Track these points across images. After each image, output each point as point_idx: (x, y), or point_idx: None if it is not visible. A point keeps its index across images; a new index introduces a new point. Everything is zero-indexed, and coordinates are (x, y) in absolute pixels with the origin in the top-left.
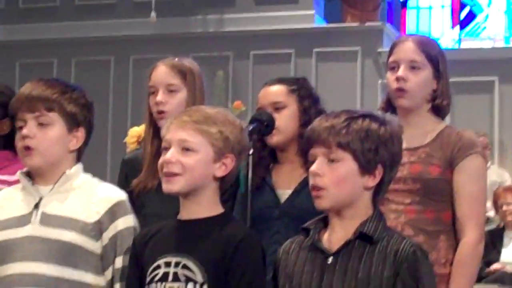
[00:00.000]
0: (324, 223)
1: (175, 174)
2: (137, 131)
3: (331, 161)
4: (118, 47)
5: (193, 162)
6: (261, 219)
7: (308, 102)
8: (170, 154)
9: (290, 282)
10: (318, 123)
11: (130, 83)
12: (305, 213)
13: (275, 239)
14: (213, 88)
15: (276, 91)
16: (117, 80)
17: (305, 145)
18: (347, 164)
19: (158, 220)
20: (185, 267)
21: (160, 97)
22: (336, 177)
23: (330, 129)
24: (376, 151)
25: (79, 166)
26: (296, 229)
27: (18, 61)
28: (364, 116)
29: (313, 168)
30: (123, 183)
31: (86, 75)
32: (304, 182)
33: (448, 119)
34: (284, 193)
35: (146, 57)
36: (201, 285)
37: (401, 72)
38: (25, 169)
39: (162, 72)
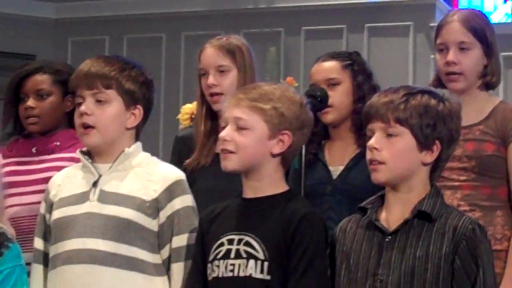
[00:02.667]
0: (381, 201)
1: (230, 152)
2: (190, 108)
3: (389, 135)
4: (170, 23)
5: (246, 140)
6: (314, 195)
7: (362, 77)
8: (225, 132)
9: (348, 260)
10: (377, 99)
11: (181, 59)
12: (358, 189)
13: (327, 215)
14: (266, 64)
15: (330, 67)
16: (168, 57)
17: (363, 120)
18: (405, 139)
19: (211, 195)
20: (247, 244)
21: (211, 79)
22: (394, 151)
23: (388, 104)
24: (434, 127)
25: (138, 144)
26: (348, 206)
27: (70, 38)
28: (423, 92)
29: (371, 142)
30: (176, 160)
31: (138, 52)
32: (357, 158)
33: (501, 93)
34: (337, 169)
35: (198, 34)
36: (262, 262)
37: (451, 56)
38: (84, 148)
39: (210, 54)
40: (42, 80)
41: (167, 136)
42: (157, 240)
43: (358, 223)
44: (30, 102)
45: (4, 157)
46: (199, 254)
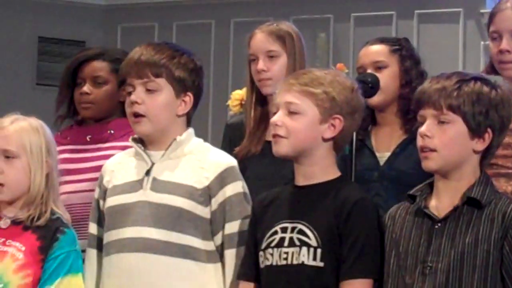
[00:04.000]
0: (430, 189)
1: (281, 137)
2: (240, 94)
3: (441, 123)
4: (219, 10)
5: (297, 125)
6: (360, 181)
7: (410, 62)
8: (277, 117)
9: (397, 248)
10: (429, 85)
11: (231, 46)
12: (405, 175)
13: (374, 201)
14: (316, 50)
15: (378, 50)
16: (217, 44)
17: (414, 106)
18: (457, 127)
19: (260, 183)
20: (300, 232)
21: (260, 65)
22: (446, 139)
23: (441, 91)
24: (487, 115)
25: (190, 131)
26: (395, 192)
27: (120, 25)
28: (475, 79)
29: (422, 129)
30: (226, 147)
31: (187, 39)
32: (404, 144)
33: None
34: (384, 156)
35: (247, 20)
36: (315, 249)
37: (504, 44)
38: (136, 135)
39: (260, 40)
40: (100, 67)
41: (216, 123)
42: (210, 227)
43: (407, 211)
44: (86, 88)
45: (58, 144)
46: (252, 242)
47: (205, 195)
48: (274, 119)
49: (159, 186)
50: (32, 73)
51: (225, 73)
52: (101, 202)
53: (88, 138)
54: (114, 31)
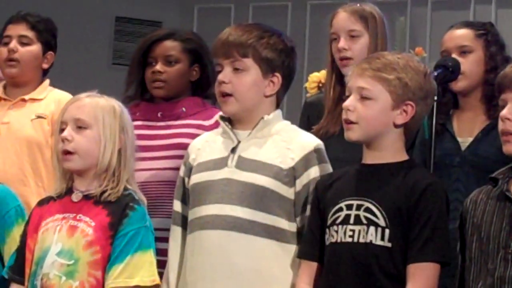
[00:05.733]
0: None
1: (352, 122)
2: (317, 77)
3: None
4: None
5: (369, 111)
6: (441, 166)
7: (495, 48)
8: (348, 102)
9: (479, 232)
10: (510, 69)
11: (307, 28)
12: (487, 161)
13: (454, 187)
14: (394, 34)
15: (463, 35)
16: (294, 26)
17: (495, 90)
18: None
19: (339, 165)
20: (367, 210)
21: (342, 43)
22: None
23: None
24: None
25: (277, 112)
26: (476, 178)
27: (196, 5)
28: None
29: (503, 112)
30: (305, 125)
31: (263, 20)
32: (487, 130)
33: None
34: (465, 141)
35: (324, 3)
36: (383, 229)
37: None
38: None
39: (343, 18)
40: (172, 46)
41: (291, 104)
42: (293, 209)
43: (489, 195)
44: (159, 67)
45: None
46: (314, 220)
47: (290, 175)
48: (346, 103)
49: (244, 164)
50: (108, 53)
51: (300, 55)
52: (186, 179)
53: (159, 115)
54: (191, 12)
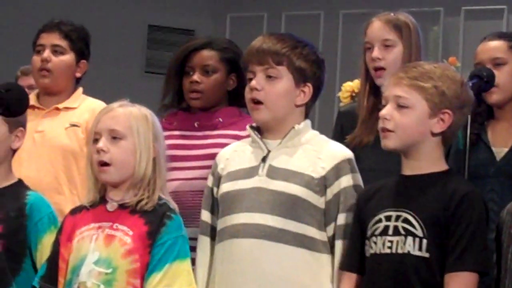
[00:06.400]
0: None
1: (389, 131)
2: (350, 86)
3: None
4: (328, 1)
5: (406, 119)
6: (475, 176)
7: None
8: (385, 110)
9: None
10: None
11: (339, 38)
12: None
13: (489, 197)
14: (427, 43)
15: (496, 47)
16: (326, 35)
17: None
18: None
19: (372, 175)
20: (405, 221)
21: (375, 53)
22: None
23: None
24: None
25: (307, 122)
26: (511, 188)
27: (229, 14)
28: None
29: None
30: (338, 134)
31: (296, 29)
32: None
33: None
34: (501, 151)
35: (356, 12)
36: (421, 239)
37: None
38: (254, 123)
39: (377, 28)
40: (209, 56)
41: (323, 113)
42: (324, 218)
43: None
44: (196, 77)
45: (165, 130)
46: (356, 231)
47: (321, 185)
48: (382, 112)
49: (275, 173)
50: (141, 61)
51: (332, 65)
52: (214, 189)
53: (196, 125)
54: (223, 21)
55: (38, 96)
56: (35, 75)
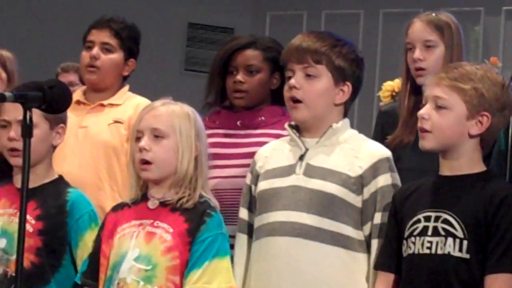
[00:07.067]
0: None
1: (427, 131)
2: (391, 86)
3: None
4: (369, 0)
5: (444, 120)
6: None
7: None
8: (424, 110)
9: None
10: None
11: (379, 37)
12: None
13: None
14: (468, 43)
15: None
16: (366, 34)
17: None
18: None
19: (412, 175)
20: (445, 221)
21: (417, 53)
22: None
23: None
24: None
25: (346, 121)
26: None
27: (268, 12)
28: None
29: None
30: (379, 133)
31: (336, 28)
32: None
33: None
34: None
35: (396, 11)
36: (461, 240)
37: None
38: (292, 122)
39: (419, 28)
40: (253, 55)
41: (362, 113)
42: (360, 217)
43: None
44: (240, 77)
45: (207, 128)
46: (392, 231)
47: (358, 183)
48: (421, 112)
49: (312, 171)
50: (181, 59)
51: (372, 64)
52: (252, 187)
53: (238, 123)
54: (263, 19)
55: (84, 92)
56: (82, 70)
